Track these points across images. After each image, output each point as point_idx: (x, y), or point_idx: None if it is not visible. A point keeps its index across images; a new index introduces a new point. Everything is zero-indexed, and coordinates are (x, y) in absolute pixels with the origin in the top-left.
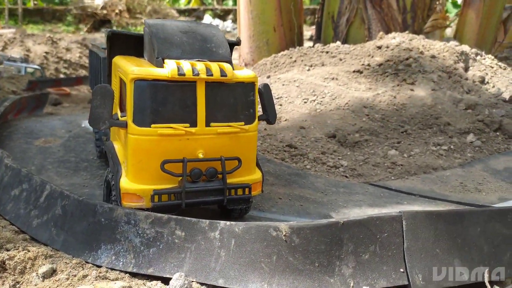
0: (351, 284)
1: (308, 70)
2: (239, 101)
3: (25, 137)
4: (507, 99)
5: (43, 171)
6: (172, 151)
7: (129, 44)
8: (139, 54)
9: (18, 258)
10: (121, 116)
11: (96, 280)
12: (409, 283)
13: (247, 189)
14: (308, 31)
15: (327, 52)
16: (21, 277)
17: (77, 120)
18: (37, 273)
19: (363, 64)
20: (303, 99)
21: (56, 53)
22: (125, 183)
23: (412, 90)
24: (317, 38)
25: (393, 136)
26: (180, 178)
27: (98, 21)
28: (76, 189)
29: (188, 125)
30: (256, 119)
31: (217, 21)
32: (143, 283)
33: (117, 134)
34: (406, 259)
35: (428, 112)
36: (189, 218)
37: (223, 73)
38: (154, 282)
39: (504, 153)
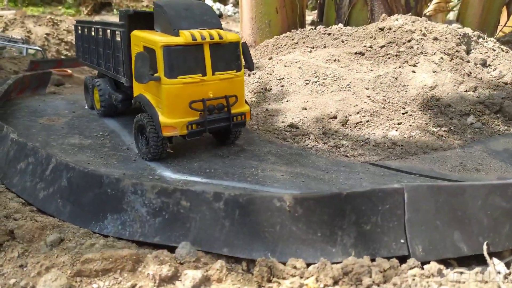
0: (352, 254)
1: (310, 51)
2: (231, 56)
3: (28, 115)
4: (508, 82)
5: (47, 148)
6: (192, 94)
7: (138, 21)
8: (146, 28)
9: (26, 228)
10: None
11: (103, 248)
12: (409, 254)
13: (243, 116)
14: (310, 16)
15: (329, 34)
16: (30, 246)
17: (80, 101)
18: (45, 242)
19: (365, 46)
20: (305, 80)
21: (57, 34)
22: (163, 119)
23: (413, 72)
24: (319, 20)
25: (394, 117)
26: (201, 112)
27: (99, 4)
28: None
29: (201, 75)
30: (242, 67)
31: (217, 5)
32: (150, 252)
33: (146, 89)
34: (406, 231)
35: (429, 93)
36: (193, 189)
37: (220, 37)
38: (161, 250)
39: (503, 134)
